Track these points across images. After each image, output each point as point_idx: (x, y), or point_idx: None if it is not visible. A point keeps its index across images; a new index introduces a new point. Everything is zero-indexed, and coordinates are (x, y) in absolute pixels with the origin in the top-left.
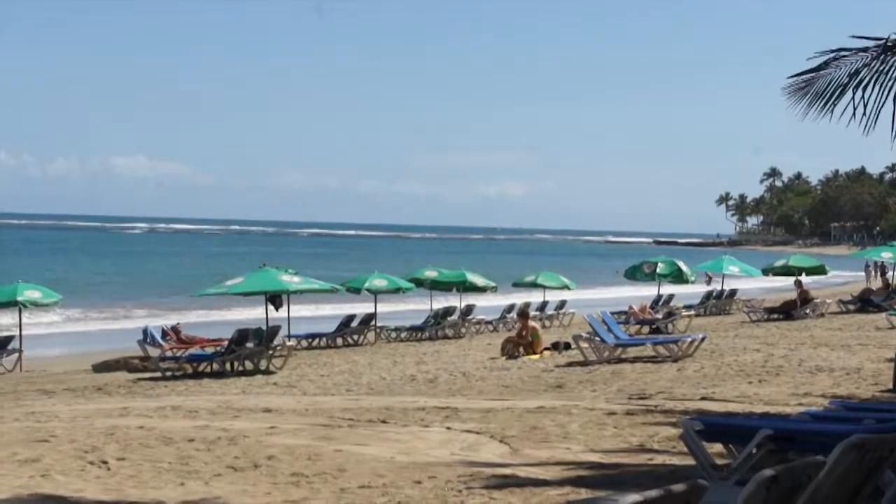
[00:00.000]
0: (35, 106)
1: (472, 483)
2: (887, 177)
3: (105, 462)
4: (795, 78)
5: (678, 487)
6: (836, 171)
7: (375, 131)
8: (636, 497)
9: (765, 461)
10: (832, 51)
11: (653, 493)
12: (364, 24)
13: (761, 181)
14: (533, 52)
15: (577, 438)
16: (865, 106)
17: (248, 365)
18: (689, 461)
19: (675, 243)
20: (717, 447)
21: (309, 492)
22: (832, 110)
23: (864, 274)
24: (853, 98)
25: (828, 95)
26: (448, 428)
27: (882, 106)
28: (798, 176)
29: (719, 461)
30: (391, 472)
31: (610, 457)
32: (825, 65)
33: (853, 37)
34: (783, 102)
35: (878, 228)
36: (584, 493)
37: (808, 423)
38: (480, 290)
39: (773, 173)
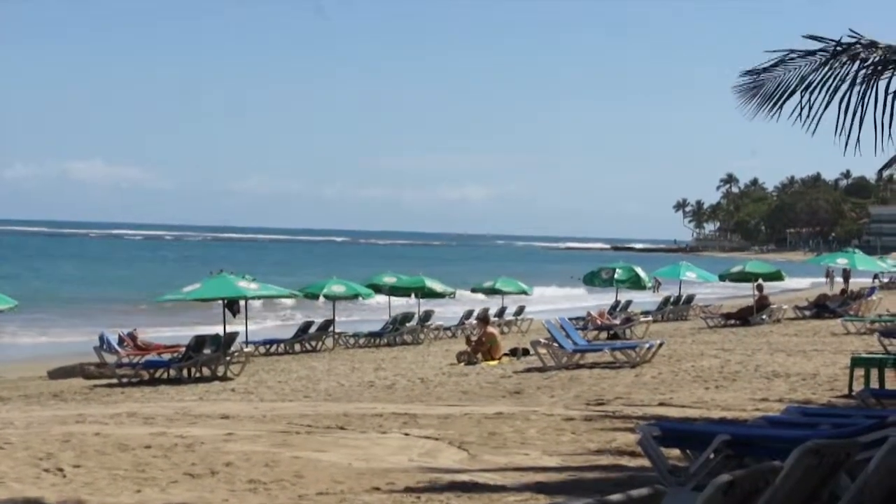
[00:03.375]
0: None
1: (431, 489)
2: (842, 183)
3: (61, 469)
4: (746, 77)
5: (636, 493)
6: (792, 177)
7: (338, 135)
8: (594, 503)
9: (722, 466)
10: (783, 52)
11: (611, 498)
12: (326, 30)
13: (718, 187)
14: (495, 57)
15: (536, 444)
16: (811, 108)
17: (206, 371)
18: (647, 467)
19: (632, 249)
20: (675, 453)
21: (266, 498)
22: (780, 112)
23: (821, 280)
24: (801, 101)
25: (776, 97)
26: (406, 434)
27: (826, 108)
28: (754, 182)
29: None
30: (349, 479)
31: (568, 462)
32: (775, 66)
33: (806, 37)
34: (741, 109)
35: (833, 234)
36: (542, 499)
37: (765, 429)
38: (439, 295)
39: (730, 179)
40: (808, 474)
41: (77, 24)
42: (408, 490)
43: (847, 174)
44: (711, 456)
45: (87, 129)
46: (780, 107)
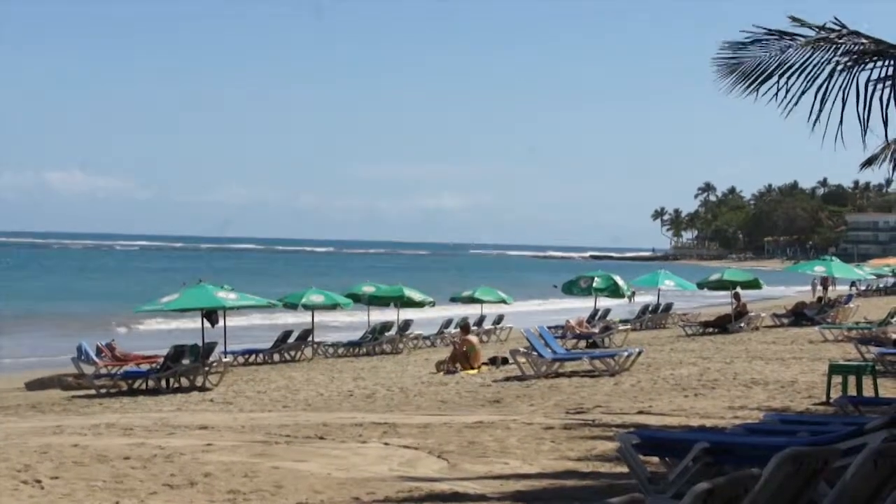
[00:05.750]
0: None
1: (411, 499)
2: (819, 191)
3: (38, 481)
4: (726, 52)
5: (616, 501)
6: (770, 185)
7: (315, 144)
8: None
9: (701, 474)
10: (766, 30)
11: None
12: (303, 39)
13: (696, 196)
14: (467, 68)
15: (515, 453)
16: (788, 92)
17: (184, 381)
18: (627, 475)
19: (611, 258)
20: (655, 460)
21: None
22: (757, 92)
23: (804, 288)
24: (777, 82)
25: (753, 77)
26: (386, 444)
27: (804, 94)
28: (732, 190)
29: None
30: (329, 489)
31: (548, 471)
32: (756, 42)
33: (791, 17)
34: (719, 117)
35: (810, 242)
36: None
37: (744, 437)
38: (418, 305)
39: (708, 188)
40: (786, 482)
41: (47, 29)
42: (387, 500)
43: (824, 182)
44: (690, 464)
45: (64, 138)
46: (757, 88)
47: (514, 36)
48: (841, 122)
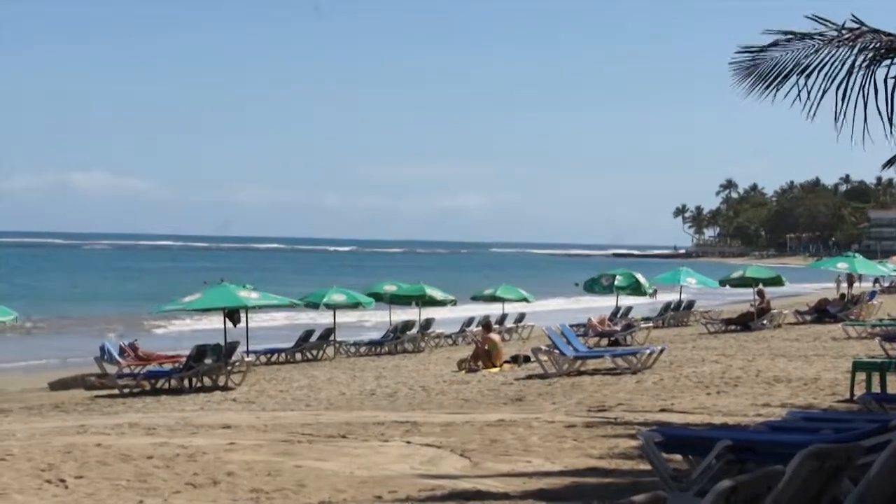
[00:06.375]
0: None
1: (433, 497)
2: (842, 188)
3: (63, 480)
4: (743, 55)
5: (639, 499)
6: (792, 182)
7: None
8: None
9: (724, 472)
10: (781, 32)
11: None
12: (321, 41)
13: (717, 193)
14: (489, 64)
15: (538, 451)
16: (809, 93)
17: (207, 381)
18: (650, 473)
19: (633, 255)
20: (677, 458)
21: None
22: (775, 93)
23: (828, 284)
24: (797, 83)
25: (771, 78)
26: (408, 442)
27: (825, 94)
28: (754, 187)
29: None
30: (351, 488)
31: (570, 469)
32: (773, 45)
33: (808, 17)
34: (740, 113)
35: (833, 239)
36: None
37: (767, 434)
38: (440, 303)
39: (729, 185)
40: (810, 479)
41: (67, 33)
42: (410, 498)
43: (847, 179)
44: (713, 461)
45: (87, 140)
46: (776, 89)
47: (514, 35)
48: (865, 118)
